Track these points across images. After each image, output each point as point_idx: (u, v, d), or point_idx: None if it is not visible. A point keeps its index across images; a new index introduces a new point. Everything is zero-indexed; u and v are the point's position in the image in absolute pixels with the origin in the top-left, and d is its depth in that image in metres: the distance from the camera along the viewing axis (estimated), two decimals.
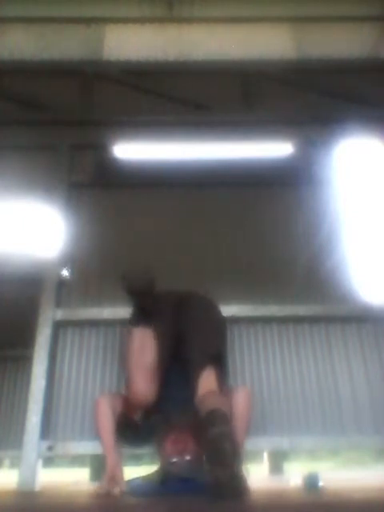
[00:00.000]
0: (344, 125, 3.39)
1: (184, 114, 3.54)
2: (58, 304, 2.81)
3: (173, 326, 2.10)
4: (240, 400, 1.94)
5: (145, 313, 2.20)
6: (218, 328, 2.18)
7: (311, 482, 1.98)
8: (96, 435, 2.07)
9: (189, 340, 2.03)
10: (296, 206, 3.20)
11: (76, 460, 4.37)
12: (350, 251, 3.03)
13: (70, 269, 2.95)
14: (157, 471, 1.88)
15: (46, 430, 2.50)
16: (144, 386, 1.99)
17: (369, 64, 3.82)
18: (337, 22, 3.60)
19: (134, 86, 3.69)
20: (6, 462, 4.16)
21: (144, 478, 1.87)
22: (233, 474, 1.47)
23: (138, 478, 1.87)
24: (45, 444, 2.42)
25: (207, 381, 1.86)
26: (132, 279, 2.23)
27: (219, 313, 2.26)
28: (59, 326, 2.76)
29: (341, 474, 3.79)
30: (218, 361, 1.96)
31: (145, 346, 2.07)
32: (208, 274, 2.89)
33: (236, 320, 2.77)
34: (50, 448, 2.41)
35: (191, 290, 2.33)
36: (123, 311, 2.71)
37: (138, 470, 2.09)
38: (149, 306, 2.21)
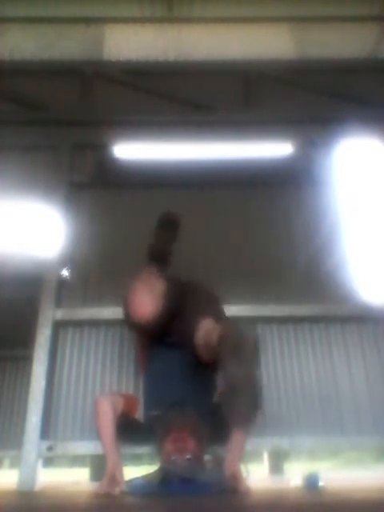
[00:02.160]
0: (344, 125, 3.39)
1: (184, 114, 3.54)
2: (58, 304, 2.81)
3: (176, 298, 2.18)
4: None
5: (159, 260, 2.40)
6: (217, 304, 2.33)
7: (311, 482, 1.98)
8: (96, 435, 2.07)
9: (187, 313, 2.13)
10: (296, 205, 3.20)
11: (76, 460, 4.37)
12: (350, 251, 3.03)
13: (69, 269, 2.95)
14: (157, 471, 1.88)
15: (46, 430, 2.50)
16: (147, 300, 2.04)
17: (369, 64, 3.82)
18: (337, 21, 3.60)
19: (134, 86, 3.69)
20: (6, 461, 4.15)
21: (144, 477, 1.87)
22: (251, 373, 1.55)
23: (137, 478, 1.87)
24: (45, 444, 2.42)
25: (206, 323, 1.98)
26: (170, 214, 2.55)
27: (219, 301, 2.39)
28: (59, 326, 2.76)
29: (341, 474, 3.79)
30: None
31: (153, 277, 2.18)
32: (208, 274, 2.89)
33: (236, 320, 2.77)
34: (49, 448, 2.41)
35: (197, 279, 2.53)
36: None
37: (138, 470, 2.09)
38: (164, 255, 2.44)
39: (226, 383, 1.63)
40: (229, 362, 1.62)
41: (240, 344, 1.61)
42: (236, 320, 2.74)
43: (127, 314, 2.15)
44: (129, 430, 2.03)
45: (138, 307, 2.06)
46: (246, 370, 1.59)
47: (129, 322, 2.18)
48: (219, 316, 2.17)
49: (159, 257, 2.52)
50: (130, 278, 2.25)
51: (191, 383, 2.03)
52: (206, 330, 1.93)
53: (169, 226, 2.63)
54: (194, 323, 2.04)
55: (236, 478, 1.73)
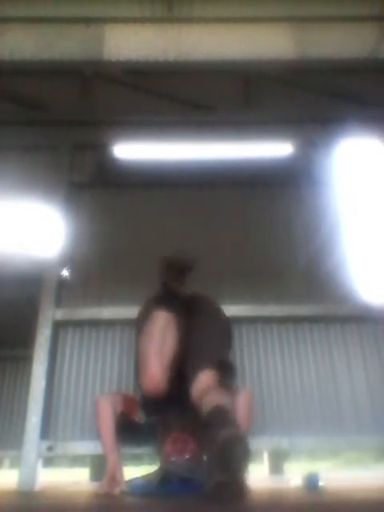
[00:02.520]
0: (344, 125, 3.39)
1: (184, 114, 3.54)
2: (58, 304, 2.81)
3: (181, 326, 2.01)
4: (241, 401, 1.94)
5: (172, 297, 2.11)
6: (223, 335, 2.11)
7: (311, 482, 1.98)
8: (96, 435, 2.07)
9: (192, 345, 1.95)
10: (296, 205, 3.20)
11: (76, 460, 4.37)
12: (350, 251, 3.03)
13: (69, 269, 2.95)
14: (157, 471, 1.88)
15: (46, 430, 2.50)
16: (161, 372, 1.86)
17: (369, 64, 3.82)
18: (337, 21, 3.60)
19: (134, 86, 3.69)
20: (6, 461, 4.15)
21: (144, 477, 1.87)
22: (237, 480, 1.38)
23: (137, 478, 1.87)
24: (45, 444, 2.42)
25: (205, 378, 1.80)
26: (182, 256, 2.24)
27: (224, 316, 2.20)
28: (59, 326, 2.76)
29: (341, 474, 3.79)
30: (219, 366, 1.88)
31: (167, 331, 1.94)
32: (208, 274, 2.89)
33: (236, 320, 2.77)
34: (49, 448, 2.41)
35: (197, 292, 2.28)
36: (123, 311, 2.72)
37: (138, 470, 2.09)
38: (178, 291, 2.14)
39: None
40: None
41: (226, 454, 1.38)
42: (236, 320, 2.75)
43: (140, 382, 1.96)
44: (128, 430, 2.03)
45: (150, 380, 1.87)
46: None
47: (142, 390, 1.99)
48: (223, 354, 1.98)
49: (169, 297, 2.17)
50: (141, 323, 2.06)
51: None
52: (201, 389, 1.74)
53: (182, 270, 2.27)
54: (195, 365, 1.87)
55: None
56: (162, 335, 1.94)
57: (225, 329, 2.15)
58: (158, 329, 1.96)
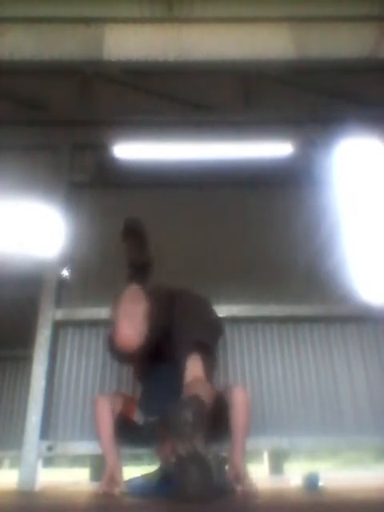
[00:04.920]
0: (344, 125, 3.39)
1: (184, 114, 3.54)
2: (58, 304, 2.81)
3: (163, 316, 2.07)
4: (238, 399, 1.94)
5: (136, 270, 2.28)
6: (207, 320, 2.18)
7: (311, 482, 1.98)
8: (95, 435, 2.07)
9: (176, 329, 2.03)
10: (296, 205, 3.20)
11: (76, 460, 4.37)
12: (350, 251, 3.03)
13: (69, 269, 2.95)
14: (156, 471, 1.88)
15: (46, 430, 2.49)
16: (131, 329, 1.94)
17: (369, 64, 3.82)
18: (337, 21, 3.60)
19: (133, 86, 3.69)
20: (6, 461, 4.16)
21: (144, 477, 1.87)
22: (194, 449, 1.40)
23: (137, 478, 1.87)
24: (45, 444, 2.42)
25: (194, 368, 1.87)
26: (129, 223, 2.42)
27: (210, 308, 2.28)
28: (59, 326, 2.76)
29: (341, 474, 3.79)
30: (204, 349, 1.96)
31: (135, 297, 2.06)
32: (208, 274, 2.89)
33: (236, 320, 2.77)
34: (49, 448, 2.41)
35: (184, 286, 2.34)
36: None
37: (138, 470, 2.09)
38: (142, 264, 2.31)
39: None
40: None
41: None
42: (236, 320, 2.76)
43: (111, 345, 2.05)
44: (126, 430, 2.03)
45: (121, 337, 1.94)
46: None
47: (113, 352, 2.10)
48: (210, 341, 2.06)
49: (137, 270, 2.37)
50: (112, 300, 2.17)
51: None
52: (189, 382, 1.83)
53: (132, 234, 2.46)
54: (184, 344, 1.96)
55: (239, 479, 1.73)
56: (129, 301, 2.05)
57: (208, 316, 2.23)
58: (124, 298, 2.08)
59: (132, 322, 1.95)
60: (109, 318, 2.48)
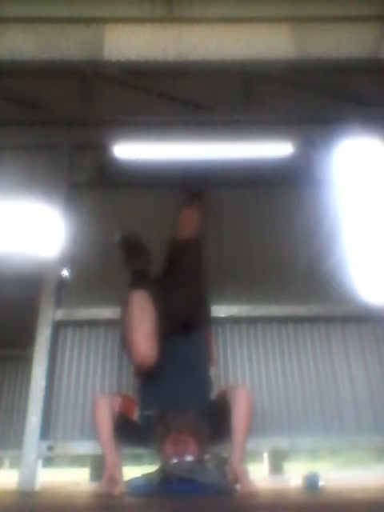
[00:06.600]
0: (344, 125, 3.39)
1: (184, 114, 3.54)
2: (58, 304, 2.81)
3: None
4: (240, 399, 1.94)
5: (140, 276, 2.37)
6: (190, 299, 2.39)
7: (311, 482, 1.98)
8: (95, 435, 2.07)
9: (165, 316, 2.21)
10: (296, 205, 3.20)
11: (76, 460, 4.37)
12: (350, 251, 3.03)
13: (69, 269, 2.95)
14: (157, 471, 1.88)
15: (46, 430, 2.49)
16: (147, 347, 2.08)
17: (369, 64, 3.81)
18: (337, 21, 3.59)
19: (134, 86, 3.69)
20: (6, 461, 4.16)
21: (144, 477, 1.87)
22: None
23: (137, 478, 1.87)
24: (45, 444, 2.42)
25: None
26: (126, 236, 2.50)
27: (193, 285, 2.49)
28: (59, 326, 2.76)
29: (341, 474, 3.79)
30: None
31: (144, 308, 2.20)
32: (208, 274, 2.89)
33: (236, 320, 2.77)
34: (49, 448, 2.41)
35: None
36: None
37: (138, 470, 2.09)
38: (142, 269, 2.41)
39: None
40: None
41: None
42: (236, 320, 2.76)
43: (128, 352, 2.26)
44: (126, 430, 2.03)
45: (140, 357, 2.11)
46: None
47: (133, 363, 2.26)
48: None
49: (138, 275, 2.42)
50: (120, 306, 2.38)
51: (188, 382, 2.03)
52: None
53: (128, 249, 2.49)
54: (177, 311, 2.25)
55: (239, 478, 1.73)
56: (140, 310, 2.18)
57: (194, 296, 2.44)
58: (135, 307, 2.21)
59: (147, 340, 2.10)
60: (116, 321, 2.55)
